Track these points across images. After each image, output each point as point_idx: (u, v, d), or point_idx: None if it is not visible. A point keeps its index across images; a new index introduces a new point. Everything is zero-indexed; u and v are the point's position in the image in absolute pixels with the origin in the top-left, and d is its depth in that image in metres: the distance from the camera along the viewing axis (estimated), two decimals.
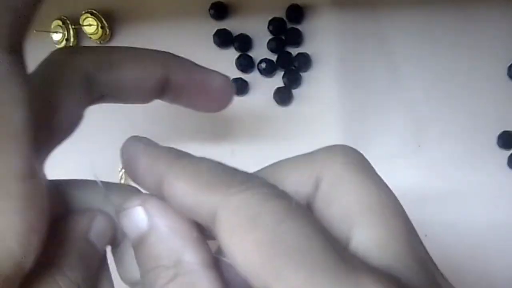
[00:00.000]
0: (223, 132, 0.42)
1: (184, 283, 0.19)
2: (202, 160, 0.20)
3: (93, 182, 0.23)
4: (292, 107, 0.41)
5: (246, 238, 0.17)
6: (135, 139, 0.23)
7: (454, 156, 0.40)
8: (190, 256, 0.20)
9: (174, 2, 0.43)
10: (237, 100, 0.42)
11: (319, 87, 0.41)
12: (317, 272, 0.16)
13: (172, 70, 0.27)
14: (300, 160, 0.21)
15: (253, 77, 0.42)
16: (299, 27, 0.42)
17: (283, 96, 0.41)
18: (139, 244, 0.20)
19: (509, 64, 0.40)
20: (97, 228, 0.23)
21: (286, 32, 0.41)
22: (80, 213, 0.23)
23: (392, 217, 0.19)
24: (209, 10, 0.42)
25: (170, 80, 0.27)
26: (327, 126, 0.41)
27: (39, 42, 0.43)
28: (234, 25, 0.42)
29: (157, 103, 0.42)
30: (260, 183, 0.19)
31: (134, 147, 0.22)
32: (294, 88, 0.41)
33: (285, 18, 0.41)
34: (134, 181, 0.22)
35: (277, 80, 0.41)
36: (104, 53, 0.26)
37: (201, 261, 0.20)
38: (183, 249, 0.20)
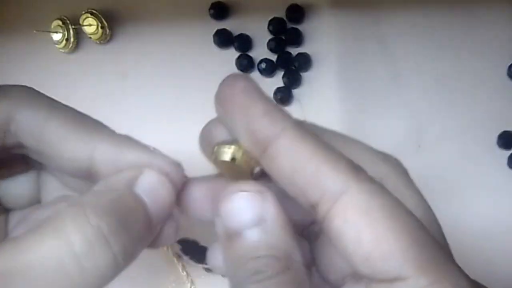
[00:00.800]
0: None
1: (293, 278, 0.19)
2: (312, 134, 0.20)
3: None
4: (292, 107, 0.41)
5: (381, 224, 0.18)
6: (241, 77, 0.21)
7: (454, 156, 0.40)
8: (297, 254, 0.20)
9: (174, 2, 0.43)
10: None
11: (319, 87, 0.41)
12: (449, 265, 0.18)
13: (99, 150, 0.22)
14: (371, 152, 0.21)
15: (253, 77, 0.41)
16: (299, 27, 0.42)
17: (283, 96, 0.41)
18: (248, 230, 0.20)
19: (509, 64, 0.40)
20: (146, 182, 0.21)
21: (286, 32, 0.41)
22: (126, 168, 0.21)
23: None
24: (209, 10, 0.42)
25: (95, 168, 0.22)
26: (327, 126, 0.41)
27: (39, 42, 0.43)
28: (234, 25, 0.42)
29: (155, 103, 0.42)
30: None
31: (247, 84, 0.20)
32: (294, 88, 0.41)
33: (285, 18, 0.41)
34: (229, 122, 0.21)
35: (277, 80, 0.41)
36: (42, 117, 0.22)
37: (304, 262, 0.20)
38: (292, 245, 0.20)
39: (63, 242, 0.18)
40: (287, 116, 0.20)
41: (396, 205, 0.19)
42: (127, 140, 0.23)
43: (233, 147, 0.21)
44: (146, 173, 0.21)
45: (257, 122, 0.19)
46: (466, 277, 0.19)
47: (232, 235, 0.20)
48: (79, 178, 0.23)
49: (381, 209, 0.18)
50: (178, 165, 0.23)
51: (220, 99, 0.21)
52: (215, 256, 0.22)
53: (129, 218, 0.20)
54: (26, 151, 0.23)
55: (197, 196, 0.23)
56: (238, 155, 0.21)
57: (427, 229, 0.19)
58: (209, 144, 0.22)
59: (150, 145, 0.23)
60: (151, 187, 0.21)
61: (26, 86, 0.23)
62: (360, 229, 0.18)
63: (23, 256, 0.18)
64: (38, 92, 0.23)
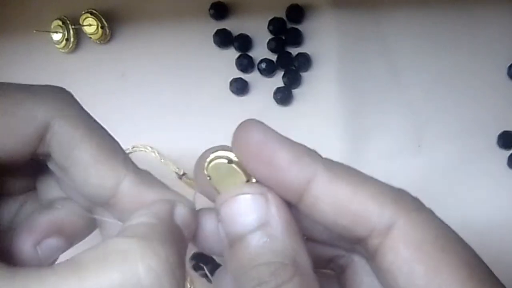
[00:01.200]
0: (223, 132, 0.42)
1: (300, 286, 0.18)
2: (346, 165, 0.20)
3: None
4: (292, 107, 0.41)
5: (435, 257, 0.18)
6: (256, 125, 0.20)
7: (454, 156, 0.40)
8: (304, 258, 0.19)
9: (174, 2, 0.43)
10: (237, 100, 0.42)
11: (319, 87, 0.41)
12: None
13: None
14: (381, 190, 0.19)
15: (253, 77, 0.42)
16: (299, 27, 0.42)
17: (283, 96, 0.41)
18: (250, 234, 0.19)
19: (509, 64, 0.40)
20: (181, 213, 0.21)
21: (286, 32, 0.41)
22: (156, 202, 0.21)
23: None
24: (209, 10, 0.42)
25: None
26: (327, 126, 0.41)
27: (39, 42, 0.43)
28: (234, 25, 0.42)
29: (155, 103, 0.42)
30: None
31: (266, 134, 0.20)
32: (294, 88, 0.41)
33: (285, 18, 0.41)
34: (259, 173, 0.20)
35: (277, 80, 0.41)
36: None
37: (311, 266, 0.19)
38: (298, 249, 0.19)
39: (131, 274, 0.18)
40: (315, 156, 0.19)
41: (448, 236, 0.19)
42: (150, 177, 0.22)
43: (230, 152, 0.20)
44: (179, 206, 0.21)
45: (286, 172, 0.19)
46: None
47: (235, 241, 0.19)
48: (91, 202, 0.23)
49: (433, 240, 0.18)
50: (192, 205, 0.22)
51: (238, 150, 0.20)
52: (222, 277, 0.22)
53: (181, 249, 0.20)
54: (50, 162, 0.22)
55: (207, 228, 0.22)
56: (235, 159, 0.20)
57: (482, 260, 0.18)
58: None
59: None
60: (185, 218, 0.21)
61: (65, 91, 0.23)
62: (413, 263, 0.18)
63: (89, 283, 0.17)
64: (76, 101, 0.23)
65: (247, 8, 0.42)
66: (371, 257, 0.19)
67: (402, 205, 0.19)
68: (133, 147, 0.41)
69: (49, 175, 0.24)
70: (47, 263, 0.23)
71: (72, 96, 0.23)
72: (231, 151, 0.20)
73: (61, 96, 0.22)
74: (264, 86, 0.41)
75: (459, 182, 0.39)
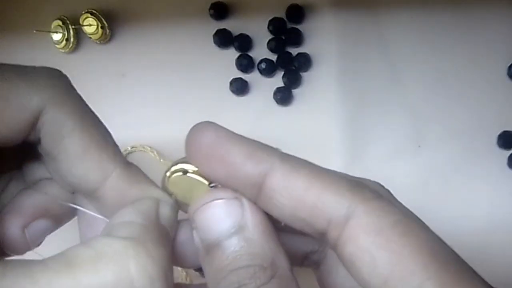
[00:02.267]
0: None
1: (280, 285, 0.18)
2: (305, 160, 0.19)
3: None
4: (292, 107, 0.41)
5: (396, 243, 0.17)
6: (207, 126, 0.20)
7: (454, 156, 0.40)
8: (282, 260, 0.19)
9: (174, 2, 0.43)
10: (237, 100, 0.42)
11: (319, 87, 0.41)
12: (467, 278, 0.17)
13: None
14: (337, 181, 0.19)
15: (253, 77, 0.42)
16: (299, 27, 0.42)
17: (283, 96, 0.41)
18: (227, 240, 0.19)
19: (509, 64, 0.40)
20: (165, 213, 0.21)
21: (286, 32, 0.41)
22: (142, 200, 0.21)
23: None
24: (209, 10, 0.42)
25: None
26: (327, 126, 0.41)
27: (39, 42, 0.43)
28: (234, 25, 0.42)
29: (155, 103, 0.42)
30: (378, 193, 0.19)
31: (218, 133, 0.20)
32: (294, 88, 0.41)
33: (285, 18, 0.41)
34: (211, 171, 0.20)
35: (277, 80, 0.41)
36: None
37: (289, 267, 0.19)
38: (276, 250, 0.19)
39: (124, 275, 0.18)
40: (270, 151, 0.19)
41: (409, 221, 0.18)
42: (137, 172, 0.22)
43: (185, 164, 0.21)
44: (163, 205, 0.22)
45: (241, 168, 0.19)
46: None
47: (210, 247, 0.19)
48: (76, 192, 0.23)
49: (393, 226, 0.18)
50: (173, 204, 0.22)
51: (192, 154, 0.20)
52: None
53: (169, 250, 0.20)
54: (40, 146, 0.22)
55: (181, 241, 0.22)
56: (192, 169, 0.20)
57: (444, 242, 0.18)
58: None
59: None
60: (169, 218, 0.21)
61: (62, 76, 0.22)
62: (374, 252, 0.17)
63: (83, 282, 0.17)
64: (72, 87, 0.22)
65: (247, 8, 0.42)
66: (334, 250, 0.19)
67: (359, 195, 0.18)
68: (132, 147, 0.41)
69: (37, 156, 0.24)
70: (35, 245, 0.23)
71: (68, 81, 0.22)
72: (183, 169, 0.21)
73: (57, 82, 0.22)
74: (264, 86, 0.41)
75: (459, 182, 0.39)
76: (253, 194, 0.19)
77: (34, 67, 0.22)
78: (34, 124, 0.21)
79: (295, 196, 0.18)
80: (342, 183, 0.19)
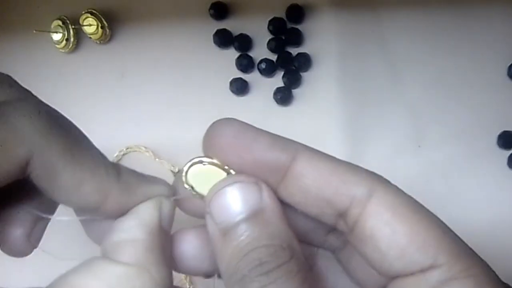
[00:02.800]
0: None
1: (298, 267, 0.19)
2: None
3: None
4: (292, 107, 0.41)
5: (412, 218, 0.20)
6: (230, 119, 0.21)
7: (454, 156, 0.40)
8: (296, 243, 0.20)
9: (174, 2, 0.43)
10: (237, 100, 0.42)
11: (319, 87, 0.41)
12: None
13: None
14: (356, 166, 0.21)
15: (253, 77, 0.42)
16: (299, 27, 0.42)
17: (283, 96, 0.41)
18: (246, 221, 0.19)
19: (509, 64, 0.40)
20: (165, 213, 0.22)
21: (286, 32, 0.41)
22: (144, 206, 0.22)
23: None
24: (209, 10, 0.42)
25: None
26: (327, 126, 0.41)
27: (39, 42, 0.43)
28: (234, 25, 0.42)
29: (155, 103, 0.42)
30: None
31: (242, 125, 0.21)
32: (294, 88, 0.41)
33: (285, 18, 0.41)
34: (235, 161, 0.21)
35: (277, 80, 0.41)
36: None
37: (302, 252, 0.20)
38: (291, 234, 0.20)
39: None
40: (293, 141, 0.21)
41: (417, 203, 0.21)
42: (133, 176, 0.23)
43: (202, 158, 0.21)
44: (163, 205, 0.22)
45: (269, 153, 0.20)
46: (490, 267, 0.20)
47: (227, 229, 0.20)
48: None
49: (407, 205, 0.20)
50: (171, 190, 0.23)
51: (215, 144, 0.21)
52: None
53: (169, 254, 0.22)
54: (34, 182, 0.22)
55: (186, 249, 0.23)
56: (212, 160, 0.21)
57: (446, 225, 0.20)
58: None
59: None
60: (169, 215, 0.22)
61: (40, 111, 0.21)
62: (395, 224, 0.19)
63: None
64: (52, 117, 0.22)
65: (247, 8, 0.42)
66: (350, 231, 0.20)
67: (377, 178, 0.21)
68: (127, 148, 0.41)
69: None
70: (38, 244, 0.24)
71: (46, 110, 0.22)
72: (202, 161, 0.21)
73: (37, 123, 0.21)
74: (264, 86, 0.41)
75: (459, 182, 0.39)
76: (275, 181, 0.20)
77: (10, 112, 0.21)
78: (23, 171, 0.21)
79: (322, 176, 0.20)
80: (361, 169, 0.21)
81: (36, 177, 0.21)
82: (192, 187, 0.22)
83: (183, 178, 0.22)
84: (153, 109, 0.42)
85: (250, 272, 0.19)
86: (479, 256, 0.20)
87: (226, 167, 0.21)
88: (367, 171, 0.21)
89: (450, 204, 0.39)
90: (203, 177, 0.21)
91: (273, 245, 0.19)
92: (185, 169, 0.22)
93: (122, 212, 0.22)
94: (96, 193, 0.21)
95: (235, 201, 0.20)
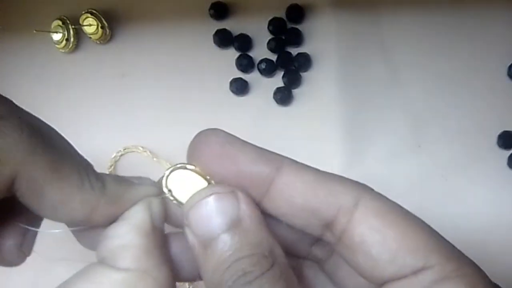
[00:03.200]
0: None
1: (281, 273, 0.19)
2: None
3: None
4: (292, 107, 0.41)
5: (400, 223, 0.20)
6: (216, 130, 0.21)
7: (454, 156, 0.40)
8: (278, 249, 0.20)
9: (174, 2, 0.43)
10: (237, 100, 0.42)
11: (319, 87, 0.41)
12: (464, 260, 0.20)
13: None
14: (341, 177, 0.21)
15: (253, 77, 0.42)
16: (299, 27, 0.42)
17: (283, 96, 0.41)
18: (226, 233, 0.20)
19: (509, 64, 0.40)
20: (156, 213, 0.22)
21: (286, 32, 0.41)
22: (134, 211, 0.22)
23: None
24: (209, 10, 0.42)
25: None
26: (327, 126, 0.41)
27: (39, 42, 0.43)
28: (234, 25, 0.42)
29: (155, 103, 0.42)
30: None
31: (228, 136, 0.21)
32: (294, 88, 0.41)
33: (285, 18, 0.41)
34: (216, 173, 0.21)
35: (277, 80, 0.41)
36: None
37: (285, 255, 0.20)
38: (272, 240, 0.20)
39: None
40: (278, 154, 0.21)
41: (403, 209, 0.21)
42: (118, 185, 0.22)
43: (185, 164, 0.22)
44: (153, 206, 0.22)
45: (254, 165, 0.20)
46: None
47: (208, 242, 0.20)
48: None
49: (394, 211, 0.20)
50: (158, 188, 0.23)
51: (200, 154, 0.21)
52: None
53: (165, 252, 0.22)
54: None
55: (176, 252, 0.23)
56: (194, 167, 0.21)
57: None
58: None
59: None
60: (160, 214, 0.22)
61: (23, 129, 0.21)
62: (383, 230, 0.20)
63: None
64: (38, 141, 0.21)
65: (247, 8, 0.42)
66: (337, 240, 0.21)
67: (362, 187, 0.21)
68: (125, 149, 0.41)
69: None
70: (30, 252, 0.24)
71: (28, 124, 0.21)
72: (185, 167, 0.22)
73: (21, 145, 0.20)
74: (264, 86, 0.41)
75: (459, 182, 0.39)
76: (260, 193, 0.21)
77: None
78: (9, 190, 0.21)
79: (308, 187, 0.20)
80: (346, 179, 0.21)
81: (22, 195, 0.21)
82: (170, 191, 0.22)
83: (163, 181, 0.22)
84: (153, 109, 0.42)
85: (234, 283, 0.19)
86: (468, 258, 0.20)
87: (207, 177, 0.21)
88: (352, 181, 0.21)
89: (450, 204, 0.39)
90: (183, 183, 0.22)
91: (255, 254, 0.19)
92: (166, 173, 0.22)
93: (112, 221, 0.22)
94: (83, 207, 0.21)
95: (213, 213, 0.20)
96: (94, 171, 0.22)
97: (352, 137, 0.40)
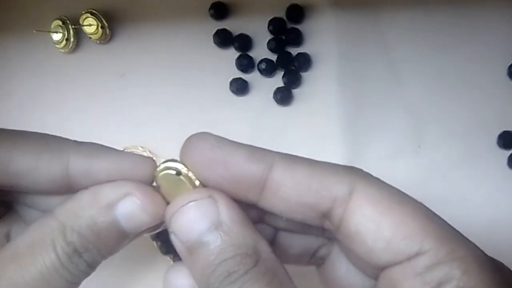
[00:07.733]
0: (223, 133, 0.42)
1: (266, 268, 0.20)
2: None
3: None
4: (292, 107, 0.41)
5: (395, 210, 0.20)
6: (206, 134, 0.22)
7: (454, 156, 0.40)
8: (263, 245, 0.20)
9: (174, 2, 0.43)
10: (237, 100, 0.42)
11: (319, 87, 0.41)
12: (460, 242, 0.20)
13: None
14: (335, 166, 0.22)
15: (253, 77, 0.42)
16: (299, 27, 0.42)
17: (283, 96, 0.41)
18: (208, 237, 0.20)
19: (509, 64, 0.40)
20: (125, 208, 0.21)
21: (286, 32, 0.41)
22: (115, 183, 0.22)
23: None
24: (209, 10, 0.42)
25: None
26: (327, 126, 0.41)
27: (39, 42, 0.43)
28: (234, 25, 0.42)
29: (155, 103, 0.42)
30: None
31: (218, 139, 0.21)
32: (294, 88, 0.41)
33: (285, 18, 0.41)
34: (211, 174, 0.21)
35: (277, 80, 0.41)
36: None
37: (271, 250, 0.21)
38: (255, 237, 0.20)
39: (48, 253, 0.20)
40: (269, 151, 0.21)
41: (400, 193, 0.21)
42: (97, 148, 0.23)
43: (179, 164, 0.22)
44: (127, 200, 0.22)
45: (245, 167, 0.21)
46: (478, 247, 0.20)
47: (193, 247, 0.20)
48: (59, 196, 0.23)
49: (389, 197, 0.20)
50: (149, 161, 0.23)
51: (191, 158, 0.21)
52: (176, 276, 0.22)
53: (103, 237, 0.21)
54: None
55: (179, 284, 0.23)
56: (184, 170, 0.22)
57: (432, 211, 0.21)
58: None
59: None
60: (130, 213, 0.22)
61: None
62: (378, 218, 0.20)
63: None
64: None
65: (247, 8, 0.42)
66: (337, 229, 0.21)
67: (356, 174, 0.21)
68: (125, 148, 0.41)
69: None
70: None
71: None
72: (180, 163, 0.22)
73: None
74: (264, 86, 0.41)
75: (459, 182, 0.39)
76: (256, 194, 0.21)
77: None
78: None
79: (301, 182, 0.20)
80: (339, 167, 0.21)
81: None
82: (159, 187, 0.22)
83: (155, 174, 0.22)
84: (153, 109, 0.42)
85: (220, 285, 0.19)
86: (466, 238, 0.20)
87: (196, 183, 0.21)
88: (345, 167, 0.21)
89: (450, 204, 0.39)
90: (171, 182, 0.22)
91: (239, 254, 0.20)
92: (158, 169, 0.22)
93: (90, 179, 0.22)
94: (56, 161, 0.21)
95: (194, 219, 0.20)
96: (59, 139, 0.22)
97: (352, 137, 0.40)
